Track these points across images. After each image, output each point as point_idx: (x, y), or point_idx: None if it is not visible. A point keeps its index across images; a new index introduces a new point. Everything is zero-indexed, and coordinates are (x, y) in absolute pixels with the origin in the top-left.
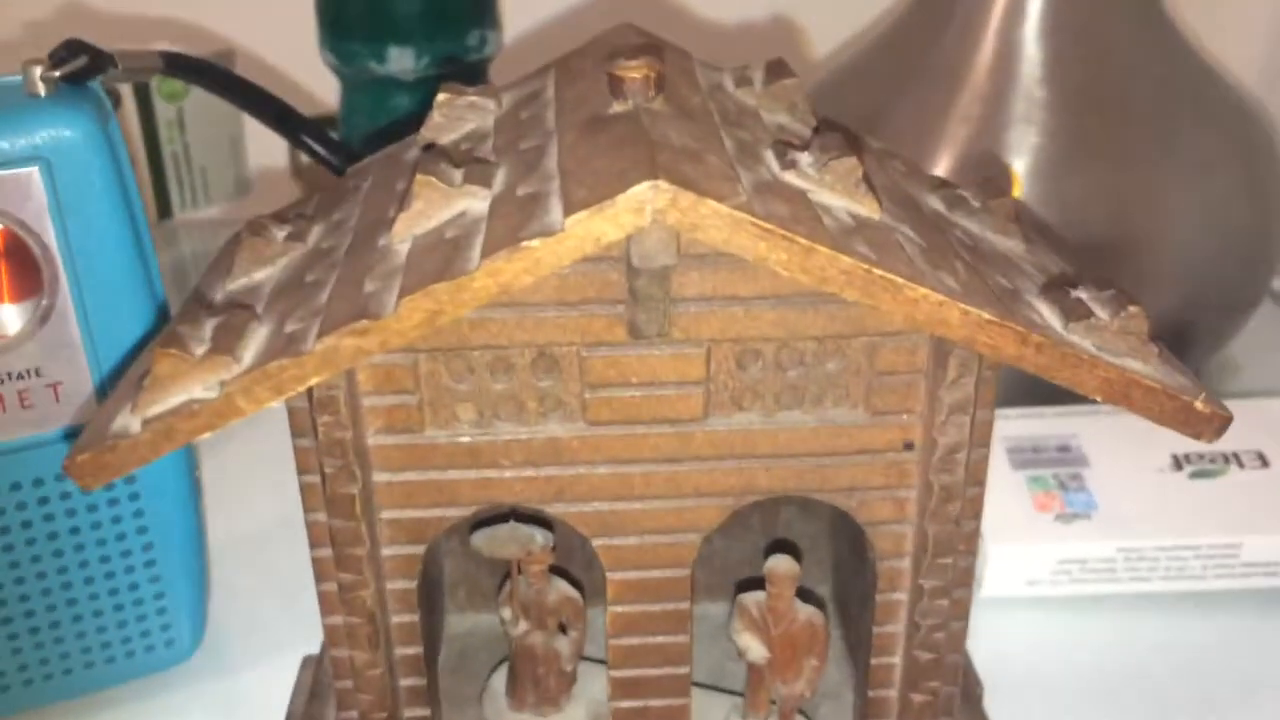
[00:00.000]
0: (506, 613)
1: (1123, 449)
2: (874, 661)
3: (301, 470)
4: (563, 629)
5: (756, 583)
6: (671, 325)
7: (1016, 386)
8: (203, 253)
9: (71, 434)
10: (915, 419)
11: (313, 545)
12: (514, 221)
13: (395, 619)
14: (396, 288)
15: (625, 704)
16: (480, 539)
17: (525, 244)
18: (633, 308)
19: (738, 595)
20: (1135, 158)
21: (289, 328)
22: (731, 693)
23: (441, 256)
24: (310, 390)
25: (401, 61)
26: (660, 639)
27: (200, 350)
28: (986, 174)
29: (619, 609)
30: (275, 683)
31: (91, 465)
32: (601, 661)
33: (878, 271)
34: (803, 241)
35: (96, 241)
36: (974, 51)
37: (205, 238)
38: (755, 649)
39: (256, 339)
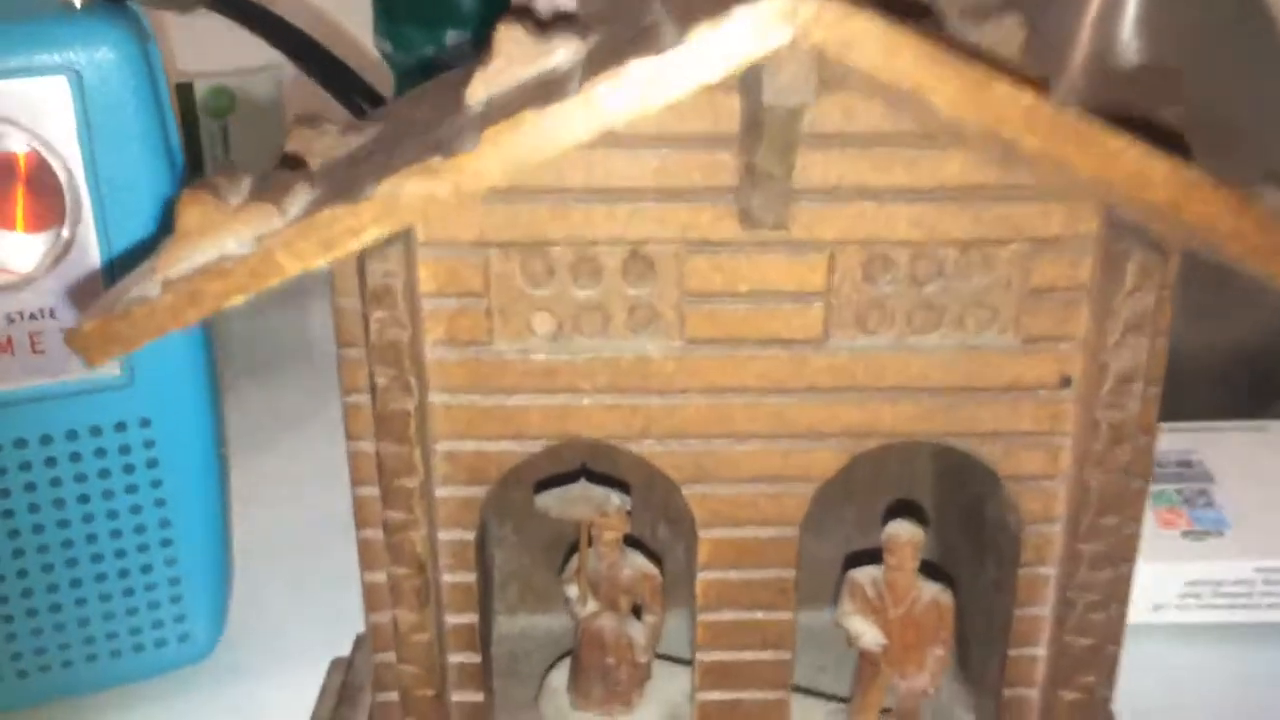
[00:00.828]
0: (572, 590)
1: (1250, 466)
2: (1012, 653)
3: (347, 390)
4: (637, 613)
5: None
6: (791, 220)
7: None
8: None
9: (91, 387)
10: (1075, 348)
11: (355, 482)
12: (620, 52)
13: (448, 578)
14: (476, 131)
15: (713, 695)
16: (547, 499)
17: (635, 63)
18: (748, 189)
19: (846, 571)
20: (1233, 157)
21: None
22: (831, 698)
23: (531, 96)
24: (364, 282)
25: (459, 47)
26: (760, 615)
27: (236, 200)
28: (1157, 79)
29: (711, 575)
30: (297, 688)
31: (99, 335)
32: (680, 660)
33: (1070, 114)
34: (979, 68)
35: (127, 171)
36: (1069, 46)
37: None
38: (870, 634)
39: (304, 196)
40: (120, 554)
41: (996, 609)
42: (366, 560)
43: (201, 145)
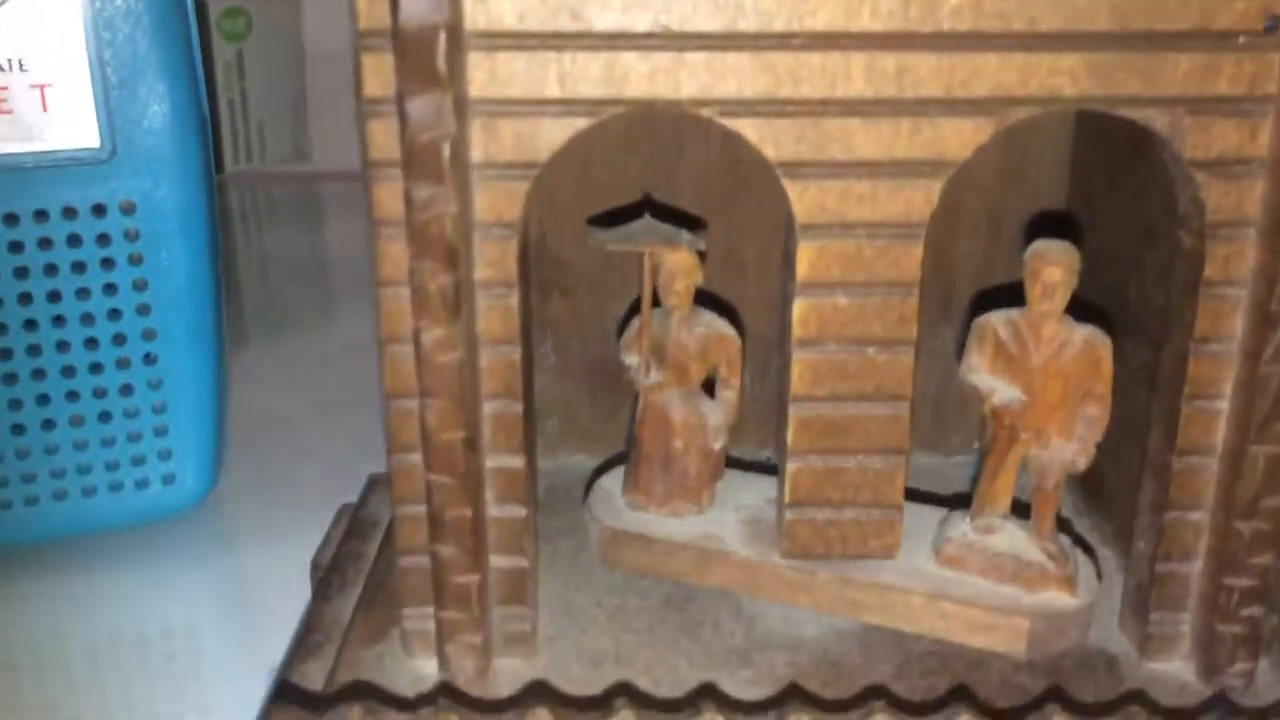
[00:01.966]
0: (632, 358)
1: None
2: (1186, 407)
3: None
4: (709, 393)
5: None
6: None
7: None
8: (253, 211)
9: (65, 161)
10: None
11: (372, 160)
12: None
13: (485, 291)
14: None
15: (811, 460)
16: (607, 235)
17: None
18: None
19: (974, 319)
20: None
21: None
22: (940, 502)
23: None
24: None
25: None
26: (872, 352)
27: None
28: None
29: (812, 297)
30: (293, 546)
31: None
32: (761, 468)
33: None
34: None
35: None
36: None
37: (258, 196)
38: (1003, 389)
39: None
40: (96, 368)
41: (1136, 401)
42: (381, 263)
43: (215, 72)
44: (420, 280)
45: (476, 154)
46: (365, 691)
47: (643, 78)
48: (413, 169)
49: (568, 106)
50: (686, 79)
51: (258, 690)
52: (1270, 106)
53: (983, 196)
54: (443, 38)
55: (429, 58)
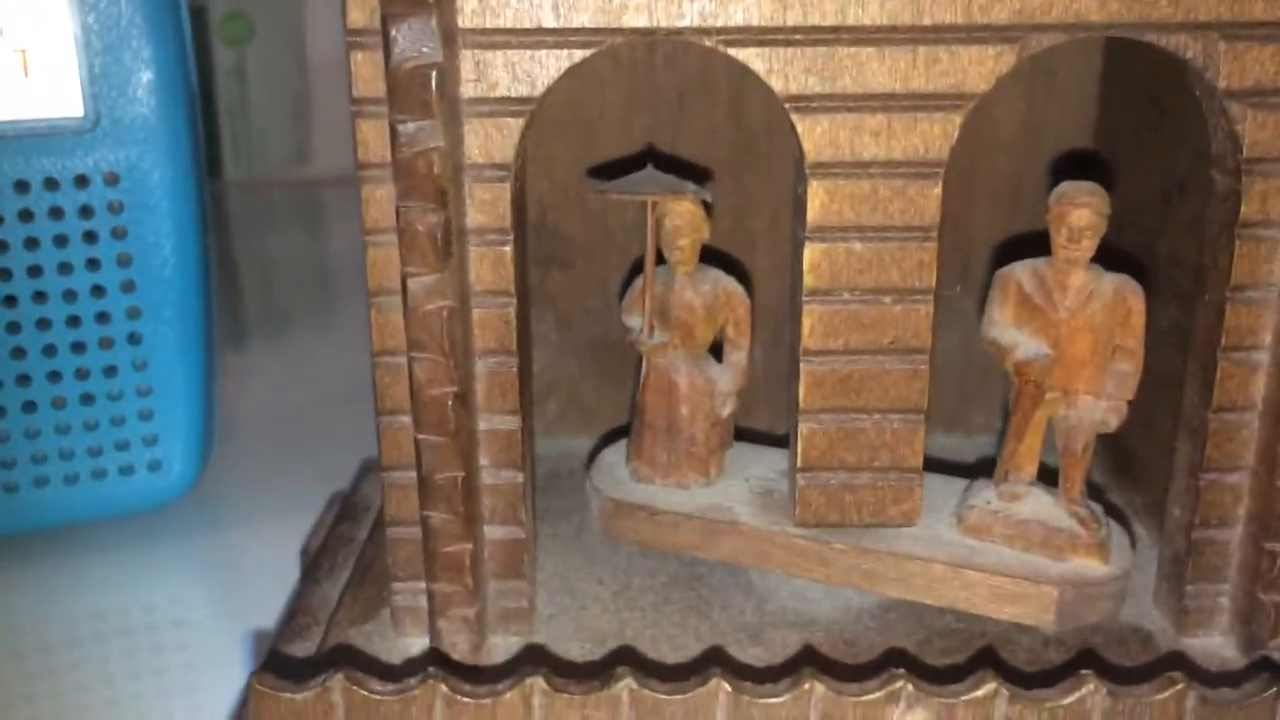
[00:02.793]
0: (635, 319)
1: None
2: (1223, 360)
3: None
4: (717, 357)
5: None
6: None
7: None
8: (253, 218)
9: (46, 130)
10: None
11: (356, 99)
12: None
13: (477, 236)
14: None
15: (824, 420)
16: (608, 186)
17: None
18: None
19: (996, 271)
20: None
21: None
22: (964, 474)
23: None
24: None
25: None
26: (888, 302)
27: None
28: None
29: (824, 242)
30: (283, 534)
31: None
32: (770, 439)
33: None
34: None
35: None
36: None
37: (258, 202)
38: (1027, 343)
39: None
40: (78, 347)
41: (1168, 364)
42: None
43: (215, 78)
44: (407, 221)
45: (467, 89)
46: (351, 660)
47: (643, 5)
48: (397, 100)
49: (564, 36)
50: (688, 6)
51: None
52: None
53: (1006, 157)
54: None
55: None
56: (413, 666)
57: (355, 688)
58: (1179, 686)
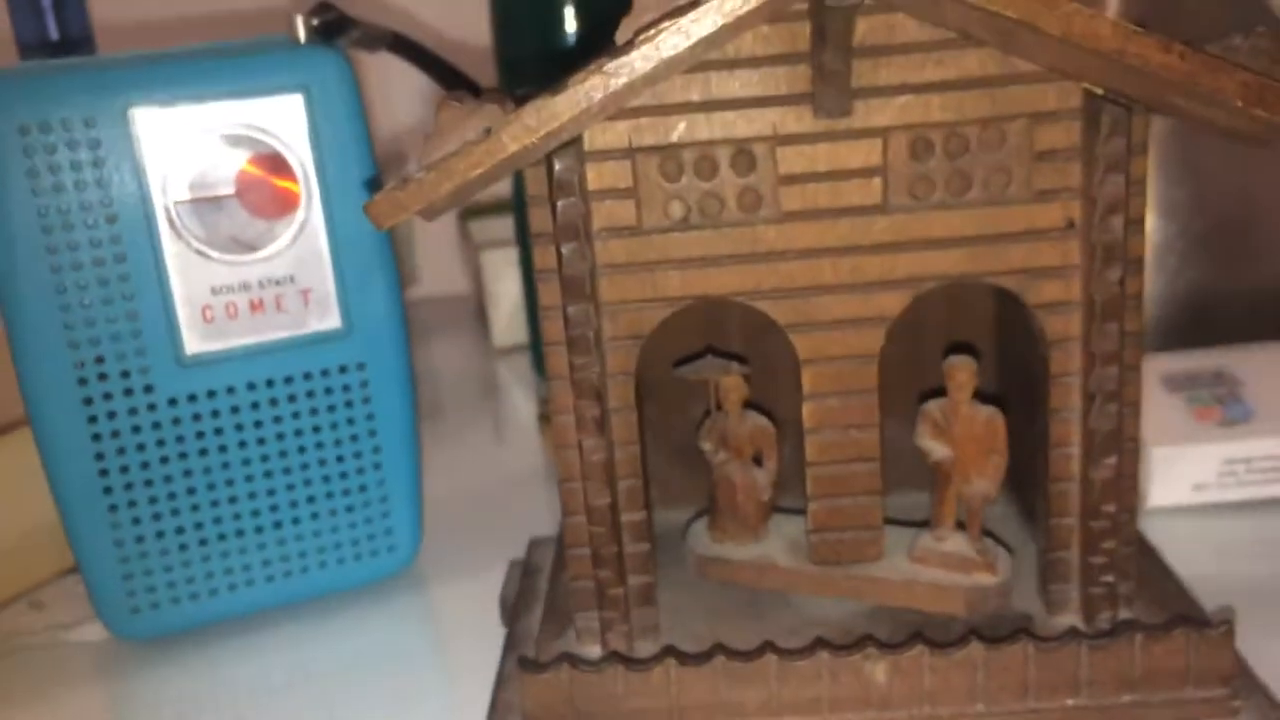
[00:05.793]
0: (707, 445)
1: (1277, 372)
2: (1053, 453)
3: (540, 267)
4: (758, 462)
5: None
6: (853, 112)
7: (1169, 333)
8: None
9: (320, 338)
10: (1074, 196)
11: (548, 341)
12: None
13: (616, 415)
14: (629, 50)
15: (824, 502)
16: (684, 369)
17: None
18: (820, 86)
19: (920, 406)
20: None
21: None
22: (919, 525)
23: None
24: (551, 175)
25: None
26: (853, 433)
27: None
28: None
29: (814, 403)
30: (483, 587)
31: (386, 204)
32: (795, 511)
33: None
34: None
35: (342, 165)
36: None
37: None
38: (938, 449)
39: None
40: (343, 475)
41: (1041, 453)
42: (556, 400)
43: None
44: (580, 413)
45: (606, 332)
46: (566, 659)
47: (700, 283)
48: (573, 348)
49: (660, 302)
50: (727, 281)
51: (457, 699)
52: (1076, 269)
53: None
54: (588, 285)
55: (581, 284)
56: (597, 661)
57: (574, 669)
58: (1023, 641)
